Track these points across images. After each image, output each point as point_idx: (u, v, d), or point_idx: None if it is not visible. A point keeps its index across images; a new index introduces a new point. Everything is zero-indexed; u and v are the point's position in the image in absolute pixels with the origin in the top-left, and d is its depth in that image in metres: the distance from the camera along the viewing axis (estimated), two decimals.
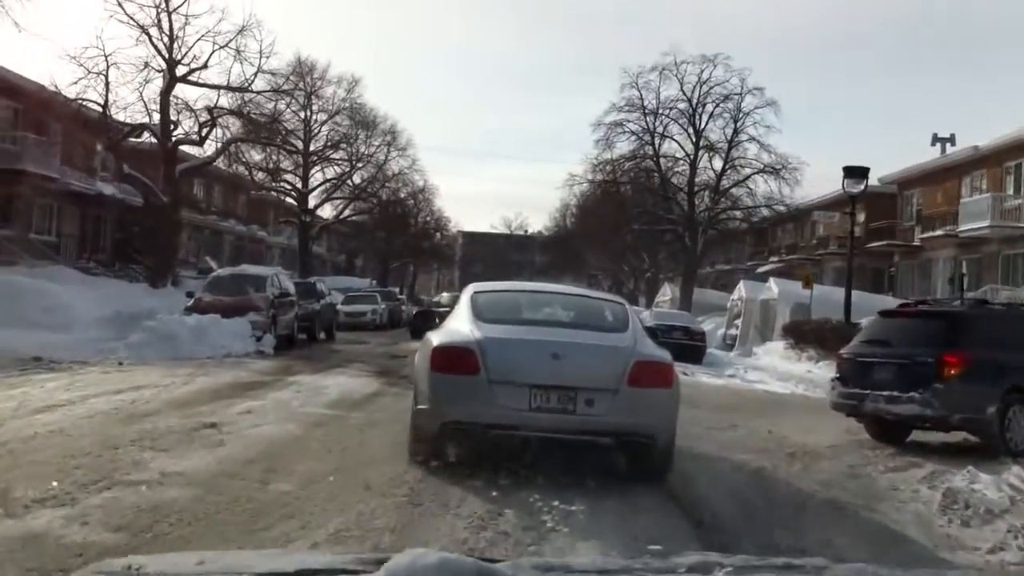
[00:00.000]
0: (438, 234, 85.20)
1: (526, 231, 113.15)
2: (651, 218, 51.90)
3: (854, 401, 12.04)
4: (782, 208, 48.13)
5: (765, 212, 49.08)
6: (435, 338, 8.37)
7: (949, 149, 44.81)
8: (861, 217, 40.47)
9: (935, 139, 47.32)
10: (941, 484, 9.49)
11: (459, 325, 8.47)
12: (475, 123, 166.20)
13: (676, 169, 51.07)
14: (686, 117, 49.52)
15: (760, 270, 52.97)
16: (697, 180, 49.98)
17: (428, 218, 77.75)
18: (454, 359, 7.93)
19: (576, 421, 7.77)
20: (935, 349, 11.52)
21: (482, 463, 8.15)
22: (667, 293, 52.80)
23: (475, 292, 9.29)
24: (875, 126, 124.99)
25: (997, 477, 9.79)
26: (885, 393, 11.67)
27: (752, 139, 48.70)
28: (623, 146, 50.74)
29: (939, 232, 38.08)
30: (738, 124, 48.91)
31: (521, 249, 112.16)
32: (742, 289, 36.70)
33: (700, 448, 11.16)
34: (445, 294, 44.08)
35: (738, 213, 50.49)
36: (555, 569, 1.34)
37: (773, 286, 33.88)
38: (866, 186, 25.89)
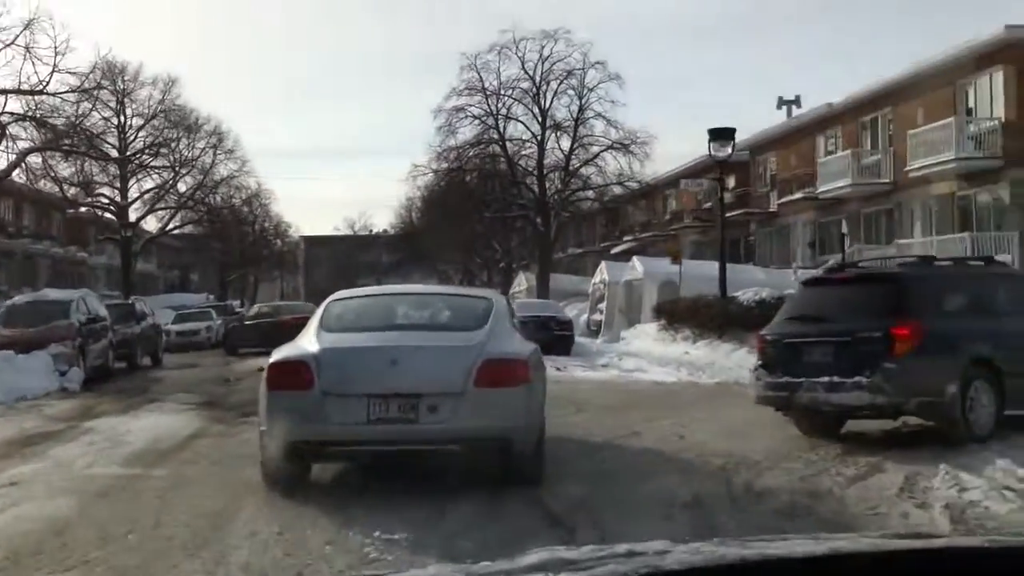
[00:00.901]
0: (278, 241, 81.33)
1: (371, 231, 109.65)
2: (501, 205, 49.60)
3: (785, 392, 9.83)
4: (634, 184, 46.51)
5: (617, 190, 47.36)
6: (274, 354, 7.93)
7: (795, 111, 44.08)
8: (732, 182, 39.14)
9: (781, 102, 46.67)
10: (930, 498, 7.44)
11: (303, 338, 8.02)
12: (316, 124, 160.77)
13: (524, 152, 48.96)
14: (530, 97, 47.35)
15: (615, 251, 51.41)
16: (546, 161, 47.88)
17: (266, 224, 73.79)
18: (287, 374, 7.48)
19: (419, 431, 7.26)
20: (881, 321, 9.39)
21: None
22: (522, 283, 50.64)
23: (332, 300, 8.83)
24: (719, 96, 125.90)
25: (984, 479, 7.81)
26: (824, 380, 9.49)
27: (598, 115, 46.92)
28: (466, 132, 48.29)
29: (798, 195, 36.98)
30: (583, 101, 47.06)
31: (367, 249, 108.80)
32: (604, 271, 34.72)
33: (606, 468, 8.81)
34: (257, 306, 40.98)
35: (590, 193, 48.68)
36: None
37: (637, 265, 31.96)
38: (734, 148, 24.08)
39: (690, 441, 10.29)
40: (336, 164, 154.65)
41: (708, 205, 47.07)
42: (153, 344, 27.53)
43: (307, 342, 7.82)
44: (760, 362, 10.24)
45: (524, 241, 55.63)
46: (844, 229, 23.45)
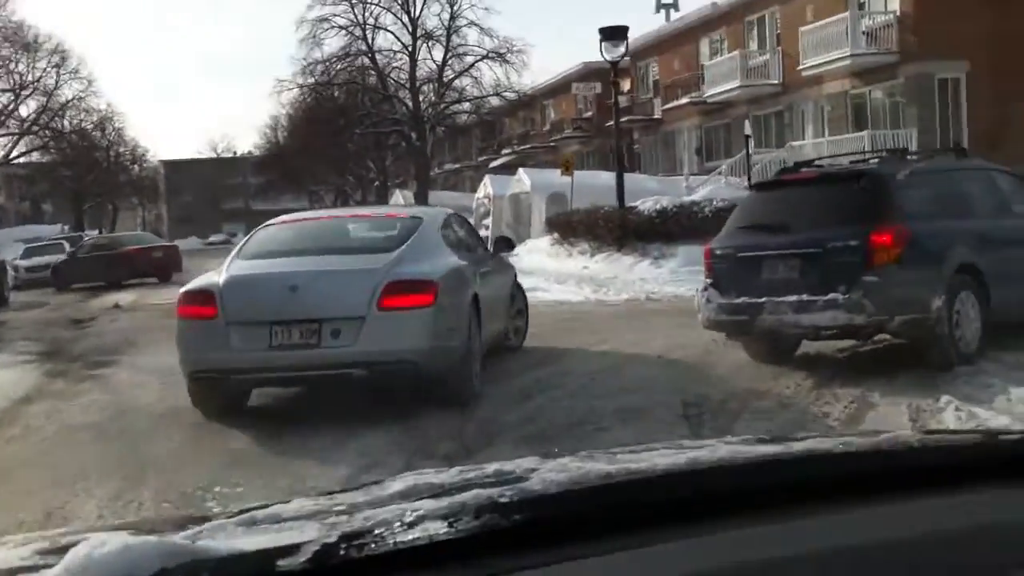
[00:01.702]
0: (135, 166, 76.74)
1: (235, 153, 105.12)
2: (373, 120, 47.04)
3: (744, 316, 8.29)
4: (512, 95, 44.56)
5: (495, 101, 45.34)
6: (189, 283, 8.07)
7: (674, 15, 42.66)
8: (626, 85, 37.56)
9: (659, 6, 45.02)
10: None
11: (222, 266, 7.92)
12: (168, 41, 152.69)
13: (395, 64, 46.45)
14: (399, 4, 44.74)
15: (493, 164, 49.60)
16: (419, 73, 45.53)
17: (121, 149, 69.25)
18: (194, 303, 7.56)
19: (321, 355, 7.22)
20: (857, 227, 7.90)
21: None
22: (399, 200, 48.39)
23: (261, 227, 8.90)
24: (590, 3, 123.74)
25: (1004, 413, 6.53)
26: (792, 299, 7.98)
27: (472, 23, 44.70)
28: (333, 44, 45.48)
29: (684, 100, 35.72)
30: (455, 8, 44.71)
31: (232, 173, 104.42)
32: (488, 185, 32.94)
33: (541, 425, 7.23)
34: (92, 236, 38.39)
35: (466, 105, 46.55)
36: (260, 522, 1.24)
37: (524, 177, 30.25)
38: (627, 49, 22.45)
39: (629, 376, 8.73)
40: (194, 83, 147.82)
41: (589, 114, 45.64)
42: None
43: (218, 271, 7.81)
44: (709, 280, 8.65)
45: (399, 158, 53.38)
46: (747, 131, 22.13)
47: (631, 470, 1.34)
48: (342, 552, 1.10)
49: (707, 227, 20.69)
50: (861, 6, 27.32)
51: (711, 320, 8.59)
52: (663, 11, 44.24)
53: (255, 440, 7.04)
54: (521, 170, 32.30)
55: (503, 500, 1.21)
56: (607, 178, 31.44)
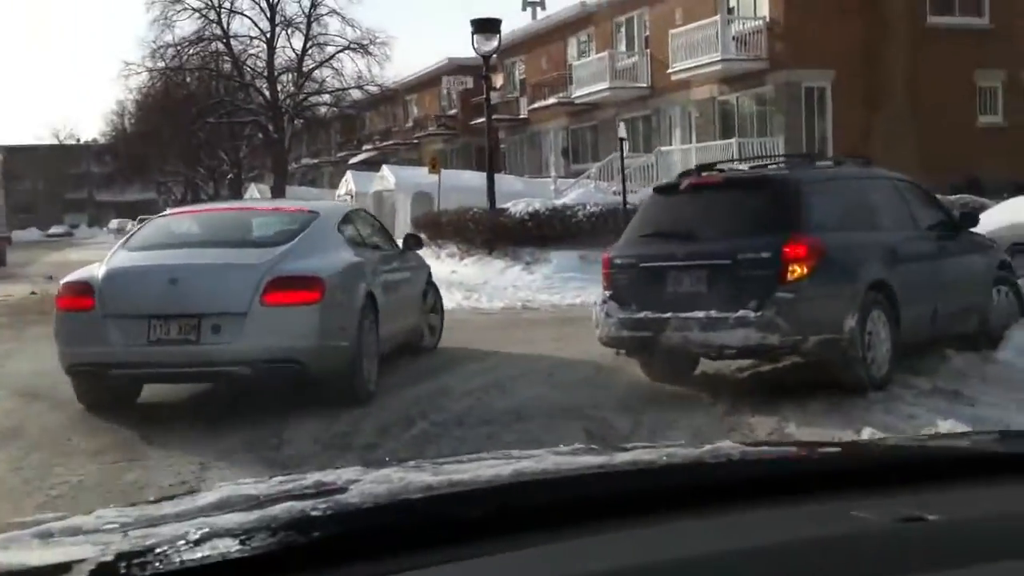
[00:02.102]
0: None
1: (78, 140, 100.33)
2: (227, 109, 45.03)
3: (646, 332, 7.56)
4: (374, 88, 43.22)
5: (356, 94, 43.93)
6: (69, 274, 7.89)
7: (540, 14, 42.19)
8: (499, 81, 36.75)
9: (525, 4, 44.50)
10: None
11: (105, 258, 7.75)
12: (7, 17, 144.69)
13: (251, 51, 44.42)
14: None
15: (353, 160, 48.25)
16: (277, 62, 43.63)
17: None
18: (72, 295, 7.37)
19: (201, 352, 6.93)
20: (769, 238, 7.26)
21: None
22: (254, 194, 46.55)
23: (155, 217, 9.08)
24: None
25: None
26: (699, 315, 7.29)
27: (333, 12, 43.11)
28: (186, 27, 43.29)
29: (551, 100, 35.20)
30: None
31: (76, 161, 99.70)
32: (350, 181, 31.76)
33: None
34: None
35: (326, 97, 44.96)
36: (56, 534, 1.25)
37: (388, 175, 29.17)
38: (500, 43, 21.67)
39: (520, 398, 7.91)
40: (32, 61, 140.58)
41: (454, 112, 44.79)
42: None
43: (99, 263, 7.65)
44: (608, 293, 7.88)
45: (254, 150, 51.36)
46: (622, 133, 21.59)
47: (453, 481, 1.33)
48: (122, 571, 1.06)
49: (582, 232, 20.20)
50: (730, 11, 27.25)
51: (610, 336, 7.83)
52: (529, 9, 43.83)
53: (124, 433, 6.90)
54: (385, 167, 31.22)
55: (315, 514, 1.18)
56: (473, 178, 30.76)
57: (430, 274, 10.71)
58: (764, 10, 26.03)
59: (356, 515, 1.20)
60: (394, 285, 8.88)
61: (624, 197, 20.21)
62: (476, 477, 1.34)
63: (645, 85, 30.89)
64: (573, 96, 33.35)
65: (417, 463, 1.50)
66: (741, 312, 7.11)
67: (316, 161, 59.35)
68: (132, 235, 8.25)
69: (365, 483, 1.33)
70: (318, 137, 56.97)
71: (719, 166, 8.57)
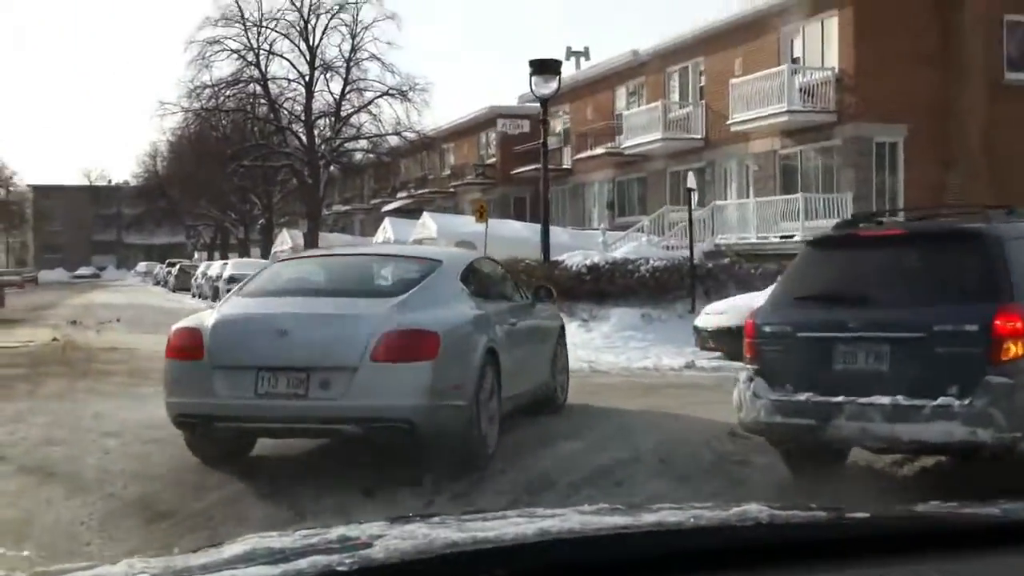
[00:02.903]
0: (1, 189, 71.90)
1: (109, 180, 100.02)
2: (263, 153, 44.07)
3: (810, 420, 6.05)
4: (412, 135, 42.16)
5: (394, 140, 42.86)
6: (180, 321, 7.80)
7: (584, 64, 41.10)
8: (558, 127, 35.55)
9: (569, 53, 43.46)
10: None
11: (217, 305, 7.78)
12: (42, 56, 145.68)
13: (289, 94, 43.62)
14: (296, 31, 42.10)
15: (387, 208, 47.07)
16: (315, 107, 42.82)
17: None
18: (182, 342, 7.05)
19: (309, 407, 6.61)
20: (973, 307, 5.76)
21: None
22: (286, 241, 45.40)
23: (274, 263, 9.07)
24: (497, 50, 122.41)
25: None
26: (883, 402, 5.78)
27: (373, 57, 42.30)
28: (223, 68, 42.53)
29: (599, 151, 33.92)
30: (356, 40, 42.29)
31: (106, 202, 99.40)
32: (388, 228, 30.43)
33: None
34: None
35: (363, 143, 43.97)
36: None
37: (429, 222, 27.81)
38: (559, 86, 20.41)
39: (633, 491, 6.40)
40: (68, 105, 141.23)
41: (492, 160, 43.66)
42: None
43: (212, 310, 7.55)
44: (754, 367, 6.38)
45: (287, 195, 50.36)
46: (691, 183, 20.11)
47: (477, 539, 1.33)
48: None
49: (642, 288, 18.80)
50: (795, 60, 25.94)
51: (759, 422, 6.30)
52: (573, 59, 42.83)
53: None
54: (426, 214, 29.88)
55: (340, 568, 1.18)
56: (519, 228, 29.46)
57: (563, 329, 10.14)
58: (832, 60, 24.68)
59: (381, 571, 1.20)
60: (520, 340, 8.29)
61: (692, 252, 18.72)
62: (501, 535, 1.34)
63: (699, 136, 29.56)
64: (623, 146, 32.05)
65: (442, 519, 1.50)
66: (941, 400, 5.59)
67: (348, 208, 58.32)
68: (250, 280, 7.95)
69: (390, 538, 1.32)
70: (351, 184, 56.03)
71: (878, 219, 7.04)
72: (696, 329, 15.30)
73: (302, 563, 1.18)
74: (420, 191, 48.15)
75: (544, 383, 9.15)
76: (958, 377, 5.63)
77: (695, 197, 21.05)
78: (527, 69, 19.56)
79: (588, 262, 19.08)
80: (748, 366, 6.47)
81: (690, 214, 20.05)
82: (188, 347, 6.93)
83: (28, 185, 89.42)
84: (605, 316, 18.20)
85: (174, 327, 7.36)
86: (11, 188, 78.20)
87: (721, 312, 14.87)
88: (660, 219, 28.02)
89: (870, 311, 6.03)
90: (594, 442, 8.07)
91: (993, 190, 22.37)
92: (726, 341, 14.68)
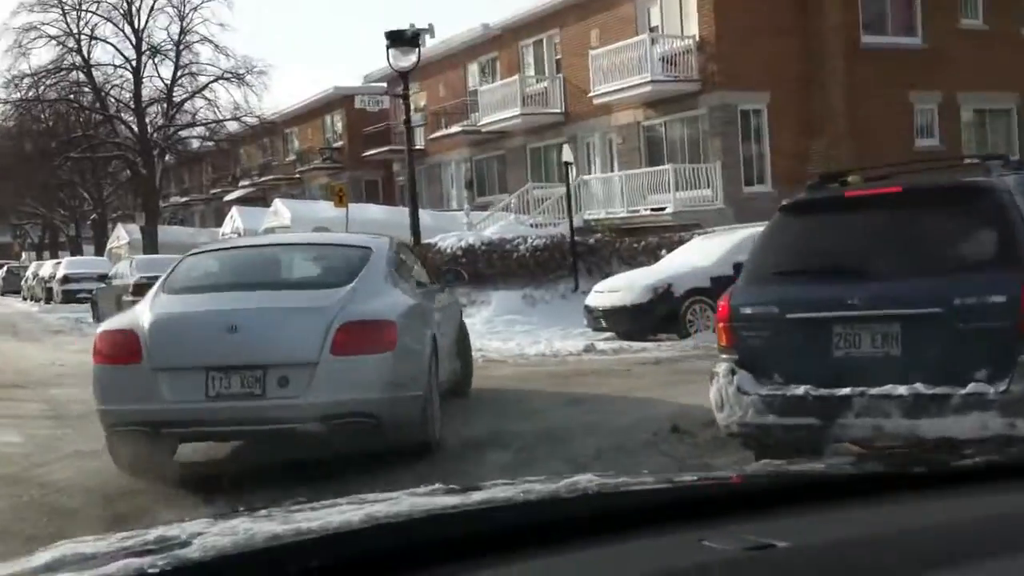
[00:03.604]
0: None
1: None
2: (91, 144, 41.18)
3: (811, 419, 5.10)
4: (252, 120, 40.11)
5: (233, 126, 40.70)
6: (105, 322, 7.66)
7: (430, 41, 39.78)
8: (423, 100, 34.01)
9: (413, 31, 42.17)
10: None
11: (142, 303, 7.19)
12: None
13: (116, 81, 40.87)
14: (120, 13, 39.38)
15: (230, 197, 44.77)
16: (145, 93, 40.24)
17: None
18: (113, 345, 6.63)
19: (267, 408, 6.31)
20: (997, 273, 4.92)
21: None
22: (122, 236, 42.72)
23: (186, 256, 8.14)
24: (331, 29, 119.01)
25: None
26: (901, 392, 4.88)
27: (205, 39, 40.02)
28: (43, 55, 39.56)
29: (455, 129, 32.75)
30: (185, 22, 39.91)
31: None
32: (236, 218, 28.61)
33: None
34: None
35: (200, 130, 41.61)
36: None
37: (282, 209, 26.17)
38: (419, 57, 19.19)
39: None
40: None
41: (339, 144, 41.96)
42: None
43: (141, 307, 6.98)
44: (733, 358, 5.40)
45: (119, 187, 47.42)
46: (567, 156, 19.18)
47: (300, 530, 1.29)
48: None
49: (523, 269, 17.83)
50: (653, 29, 25.35)
51: (748, 424, 5.31)
52: (419, 36, 41.46)
53: None
54: (278, 201, 28.19)
55: (152, 571, 1.15)
56: (377, 211, 28.14)
57: (462, 313, 10.14)
58: (692, 28, 24.17)
59: (196, 569, 1.16)
60: (444, 326, 8.23)
61: (572, 228, 17.81)
62: (326, 524, 1.31)
63: (559, 111, 28.76)
64: (479, 124, 30.99)
65: (269, 511, 1.46)
66: (971, 387, 4.72)
67: (186, 199, 55.49)
68: (169, 276, 7.39)
69: (209, 536, 1.28)
70: (188, 174, 53.31)
71: (868, 172, 6.10)
72: (588, 309, 14.40)
73: (112, 568, 1.13)
74: (264, 178, 46.03)
75: (455, 369, 8.95)
76: (987, 358, 4.79)
77: (573, 171, 20.15)
78: (370, 48, 18.46)
79: (463, 243, 17.98)
80: (726, 356, 5.48)
81: (568, 189, 19.14)
82: (121, 350, 6.49)
83: None
84: (485, 300, 17.15)
85: (99, 330, 7.05)
86: None
87: (615, 290, 13.99)
88: (524, 196, 27.18)
89: (872, 285, 5.12)
90: (520, 452, 6.98)
91: (855, 154, 22.33)
92: (622, 320, 13.84)
